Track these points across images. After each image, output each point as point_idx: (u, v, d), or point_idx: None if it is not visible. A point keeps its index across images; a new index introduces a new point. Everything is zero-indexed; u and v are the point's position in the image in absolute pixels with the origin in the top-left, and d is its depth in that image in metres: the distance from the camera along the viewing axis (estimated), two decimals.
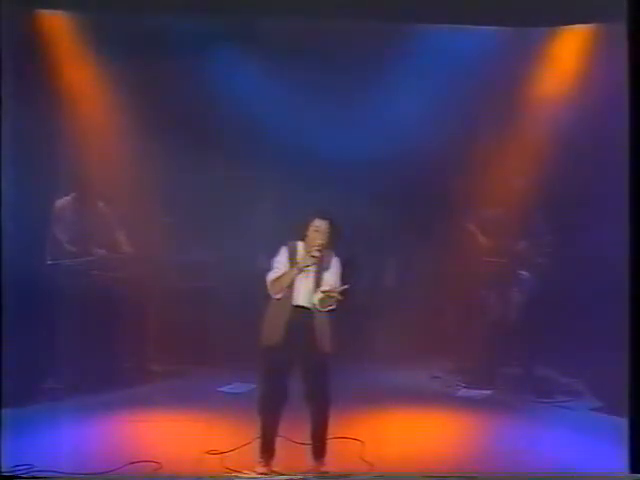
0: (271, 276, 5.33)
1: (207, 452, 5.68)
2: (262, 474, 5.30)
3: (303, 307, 5.31)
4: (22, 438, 5.77)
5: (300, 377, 5.32)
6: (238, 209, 7.82)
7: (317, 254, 5.24)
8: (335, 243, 5.37)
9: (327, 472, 5.33)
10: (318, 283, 5.31)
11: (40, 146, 6.94)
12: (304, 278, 5.30)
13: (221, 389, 7.29)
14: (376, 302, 8.00)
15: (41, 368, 6.86)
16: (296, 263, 5.30)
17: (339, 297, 5.19)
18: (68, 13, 7.28)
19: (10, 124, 5.97)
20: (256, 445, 5.44)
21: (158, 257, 7.71)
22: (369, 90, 7.66)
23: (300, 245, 5.38)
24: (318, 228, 5.30)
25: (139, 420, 6.45)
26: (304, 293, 5.31)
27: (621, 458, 5.37)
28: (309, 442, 5.43)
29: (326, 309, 5.28)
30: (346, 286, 5.25)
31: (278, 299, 5.31)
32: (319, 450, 5.40)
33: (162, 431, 6.22)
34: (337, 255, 5.41)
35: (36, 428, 6.06)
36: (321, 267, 5.33)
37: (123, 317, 7.23)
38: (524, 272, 7.57)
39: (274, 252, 5.40)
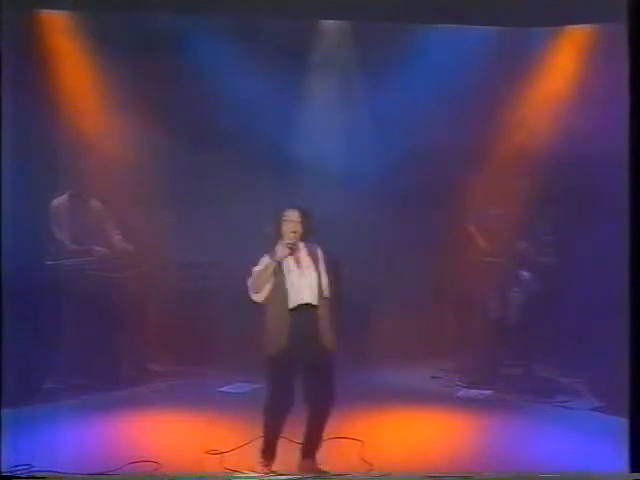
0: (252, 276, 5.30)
1: (207, 452, 5.68)
2: (262, 474, 5.30)
3: (304, 305, 5.24)
4: (22, 438, 5.76)
5: (304, 376, 5.28)
6: (238, 209, 7.80)
7: (291, 242, 5.21)
8: (309, 233, 5.34)
9: (326, 472, 5.31)
10: (319, 279, 5.29)
11: (39, 145, 6.95)
12: (301, 276, 5.27)
13: (221, 389, 7.29)
14: (375, 302, 7.98)
15: (41, 368, 6.85)
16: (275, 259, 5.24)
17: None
18: (68, 13, 7.28)
19: (10, 123, 5.97)
20: (256, 445, 5.43)
21: (158, 256, 7.70)
22: (368, 90, 7.66)
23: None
24: (288, 218, 5.28)
25: (139, 420, 6.45)
26: (304, 290, 5.25)
27: (621, 458, 5.36)
28: (307, 441, 5.40)
29: None
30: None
31: (275, 304, 5.24)
32: (312, 449, 5.37)
33: (162, 431, 6.23)
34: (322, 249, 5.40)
35: (36, 428, 6.06)
36: (316, 262, 5.31)
37: (123, 317, 7.23)
38: (524, 272, 7.57)
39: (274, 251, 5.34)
